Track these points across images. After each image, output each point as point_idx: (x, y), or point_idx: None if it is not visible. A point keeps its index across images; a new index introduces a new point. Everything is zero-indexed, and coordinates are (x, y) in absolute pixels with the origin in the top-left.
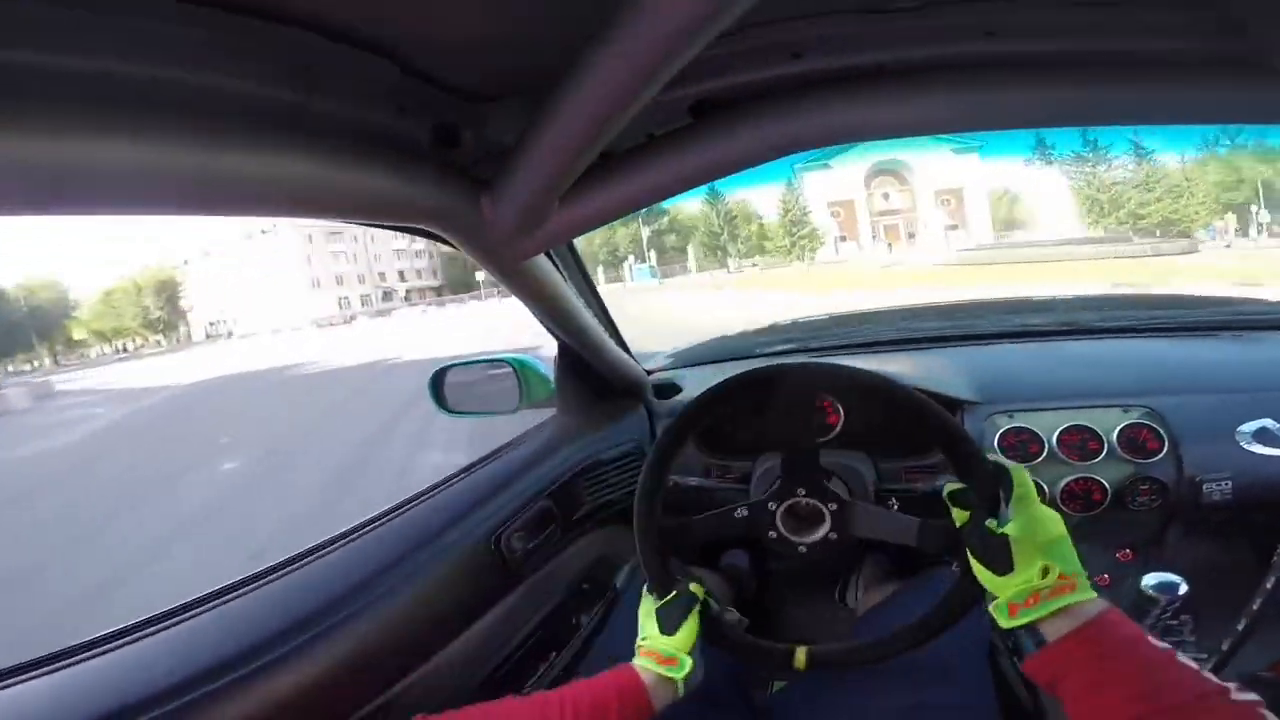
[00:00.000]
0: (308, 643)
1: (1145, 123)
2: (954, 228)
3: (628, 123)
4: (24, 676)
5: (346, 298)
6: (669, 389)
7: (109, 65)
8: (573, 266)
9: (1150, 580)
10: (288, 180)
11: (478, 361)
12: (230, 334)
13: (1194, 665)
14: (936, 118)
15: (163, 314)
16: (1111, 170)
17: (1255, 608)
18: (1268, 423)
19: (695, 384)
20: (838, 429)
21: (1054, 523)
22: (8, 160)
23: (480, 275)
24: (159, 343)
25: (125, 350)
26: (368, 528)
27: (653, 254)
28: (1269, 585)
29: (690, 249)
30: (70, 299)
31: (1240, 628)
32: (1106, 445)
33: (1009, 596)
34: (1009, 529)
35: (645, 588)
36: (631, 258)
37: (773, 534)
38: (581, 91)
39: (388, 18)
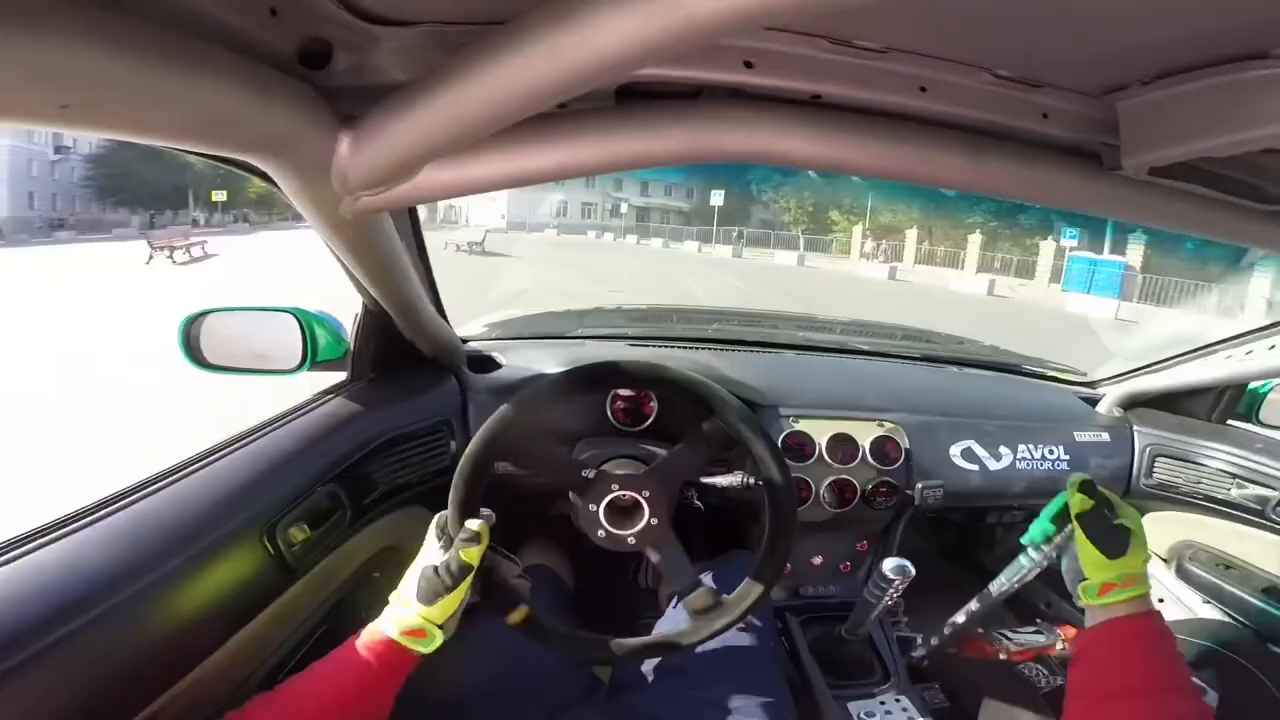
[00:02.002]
0: (17, 667)
1: (1017, 199)
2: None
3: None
4: None
5: None
6: (486, 362)
7: None
8: (404, 220)
9: (889, 564)
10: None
11: (250, 309)
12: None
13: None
14: (856, 160)
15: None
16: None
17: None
18: (971, 443)
19: (516, 360)
20: (650, 420)
21: (1139, 522)
22: None
23: None
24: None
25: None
26: (93, 516)
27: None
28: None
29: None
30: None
31: (963, 618)
32: (861, 452)
33: (1109, 577)
34: (1128, 521)
35: (432, 528)
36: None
37: (601, 534)
38: (511, 47)
39: None
